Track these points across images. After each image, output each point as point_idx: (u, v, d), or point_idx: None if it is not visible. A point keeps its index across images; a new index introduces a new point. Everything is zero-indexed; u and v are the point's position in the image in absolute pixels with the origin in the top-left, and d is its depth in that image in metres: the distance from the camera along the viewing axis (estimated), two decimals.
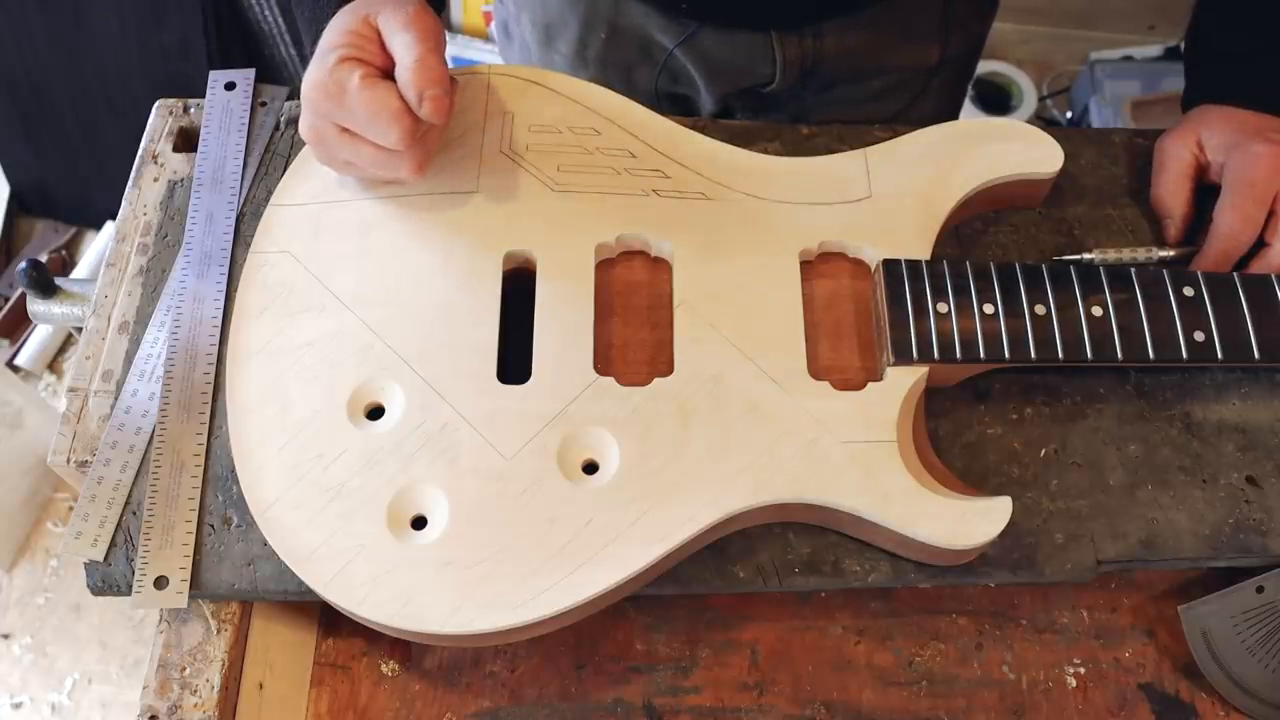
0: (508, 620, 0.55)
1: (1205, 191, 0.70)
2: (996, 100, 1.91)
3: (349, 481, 0.57)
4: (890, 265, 0.64)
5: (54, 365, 1.76)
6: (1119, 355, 0.62)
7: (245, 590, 0.59)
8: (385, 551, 0.56)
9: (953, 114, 1.00)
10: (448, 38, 1.76)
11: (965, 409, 0.65)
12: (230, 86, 0.73)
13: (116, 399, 0.64)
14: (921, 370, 0.61)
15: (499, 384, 0.60)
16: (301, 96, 0.61)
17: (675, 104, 0.92)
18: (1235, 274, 0.64)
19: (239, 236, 0.68)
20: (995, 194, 0.68)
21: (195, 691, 0.59)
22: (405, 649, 0.66)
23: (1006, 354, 0.62)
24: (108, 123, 1.67)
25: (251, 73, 0.73)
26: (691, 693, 0.64)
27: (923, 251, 0.65)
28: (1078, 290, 0.63)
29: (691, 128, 0.69)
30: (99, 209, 1.80)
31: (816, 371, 0.62)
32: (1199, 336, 0.62)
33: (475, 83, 0.69)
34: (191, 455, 0.62)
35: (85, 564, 0.60)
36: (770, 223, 0.65)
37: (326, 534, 0.56)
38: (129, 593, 0.59)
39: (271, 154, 0.71)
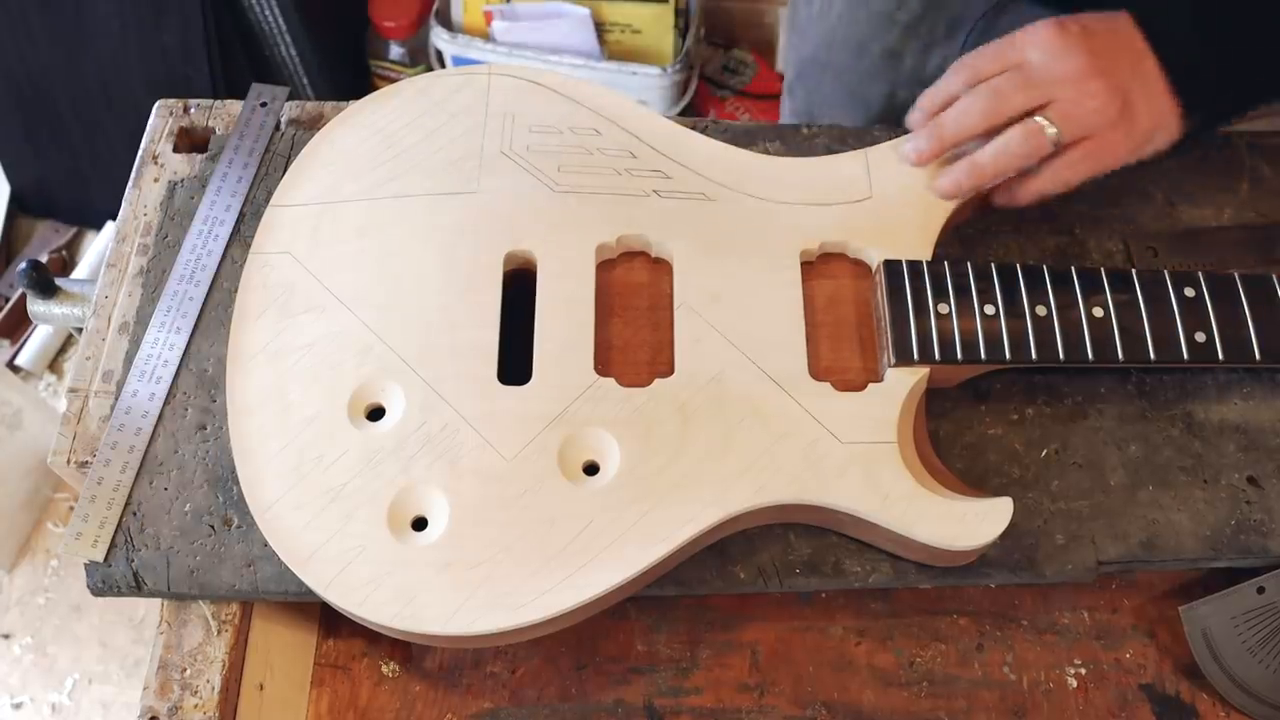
0: (508, 621, 0.55)
1: None
2: None
3: (349, 482, 0.57)
4: (891, 266, 0.64)
5: (54, 365, 1.75)
6: (1120, 356, 0.62)
7: (245, 591, 0.59)
8: (386, 552, 0.56)
9: None
10: (448, 37, 1.76)
11: (966, 409, 0.65)
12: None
13: (116, 399, 0.64)
14: (922, 371, 0.61)
15: (499, 385, 0.60)
16: None
17: None
18: (1236, 274, 0.64)
19: (239, 237, 0.68)
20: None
21: (196, 692, 0.59)
22: (406, 650, 0.66)
23: (1007, 355, 0.62)
24: (108, 123, 1.67)
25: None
26: (692, 693, 0.64)
27: (923, 252, 0.65)
28: (1079, 291, 0.63)
29: (692, 128, 0.69)
30: (99, 209, 1.80)
31: (817, 372, 0.62)
32: (1200, 337, 0.62)
33: (475, 83, 0.69)
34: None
35: (85, 564, 0.60)
36: (771, 223, 0.65)
37: (327, 535, 0.56)
38: (129, 593, 0.59)
39: (271, 154, 0.71)
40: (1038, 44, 0.63)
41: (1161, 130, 0.64)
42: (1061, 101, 0.62)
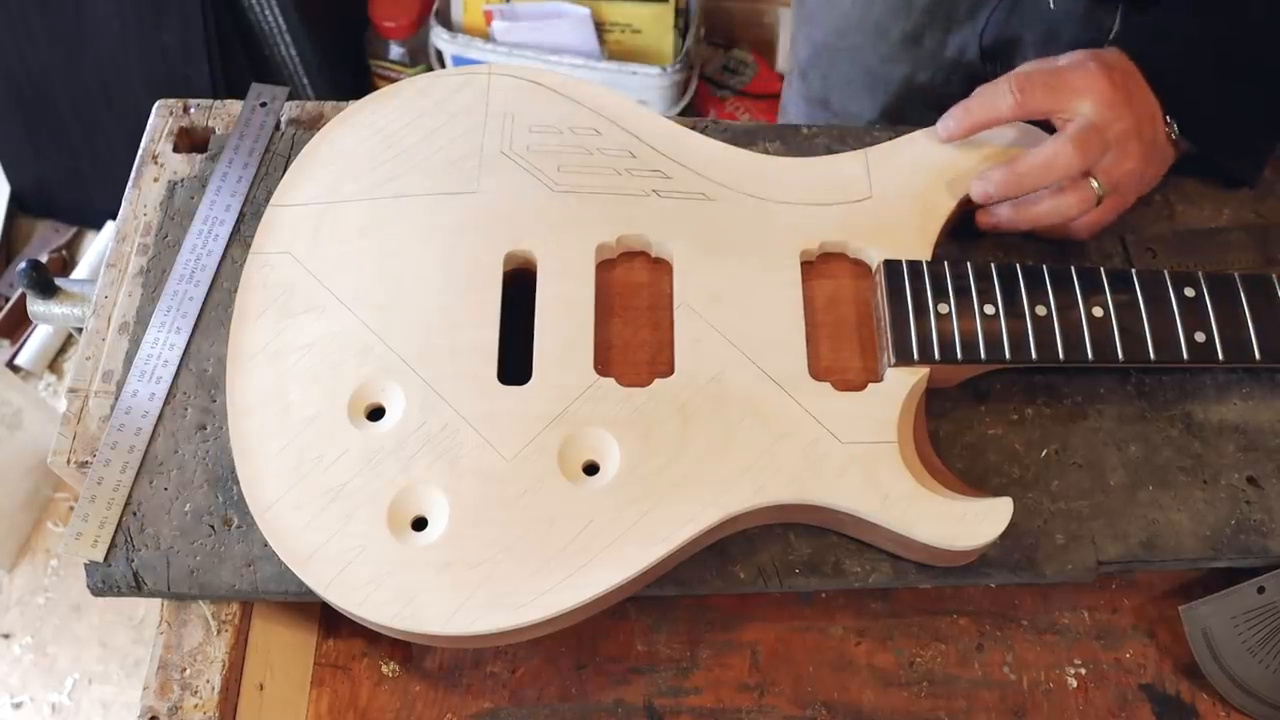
0: (508, 621, 0.55)
1: None
2: None
3: (349, 482, 0.57)
4: (891, 266, 0.64)
5: (54, 365, 1.75)
6: (1120, 356, 0.62)
7: (245, 591, 0.59)
8: (386, 552, 0.56)
9: None
10: (448, 37, 1.75)
11: (966, 409, 0.65)
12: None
13: (116, 399, 0.64)
14: (922, 371, 0.61)
15: (499, 385, 0.60)
16: None
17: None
18: (1236, 274, 0.64)
19: (239, 237, 0.68)
20: None
21: (196, 692, 0.59)
22: (406, 650, 0.66)
23: (1007, 355, 0.62)
24: (108, 123, 1.67)
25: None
26: (692, 693, 0.64)
27: (923, 252, 0.65)
28: (1078, 291, 0.63)
29: (692, 128, 0.69)
30: (99, 209, 1.80)
31: (817, 372, 0.62)
32: (1200, 337, 0.62)
33: (475, 83, 0.69)
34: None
35: (85, 564, 0.60)
36: (771, 223, 0.65)
37: (327, 535, 0.56)
38: (129, 593, 0.59)
39: (271, 154, 0.71)
40: (1091, 94, 0.64)
41: (1162, 171, 0.70)
42: (1107, 163, 0.65)
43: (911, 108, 0.91)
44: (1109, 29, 0.79)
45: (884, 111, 0.93)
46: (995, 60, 0.86)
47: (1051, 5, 0.79)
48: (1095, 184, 0.65)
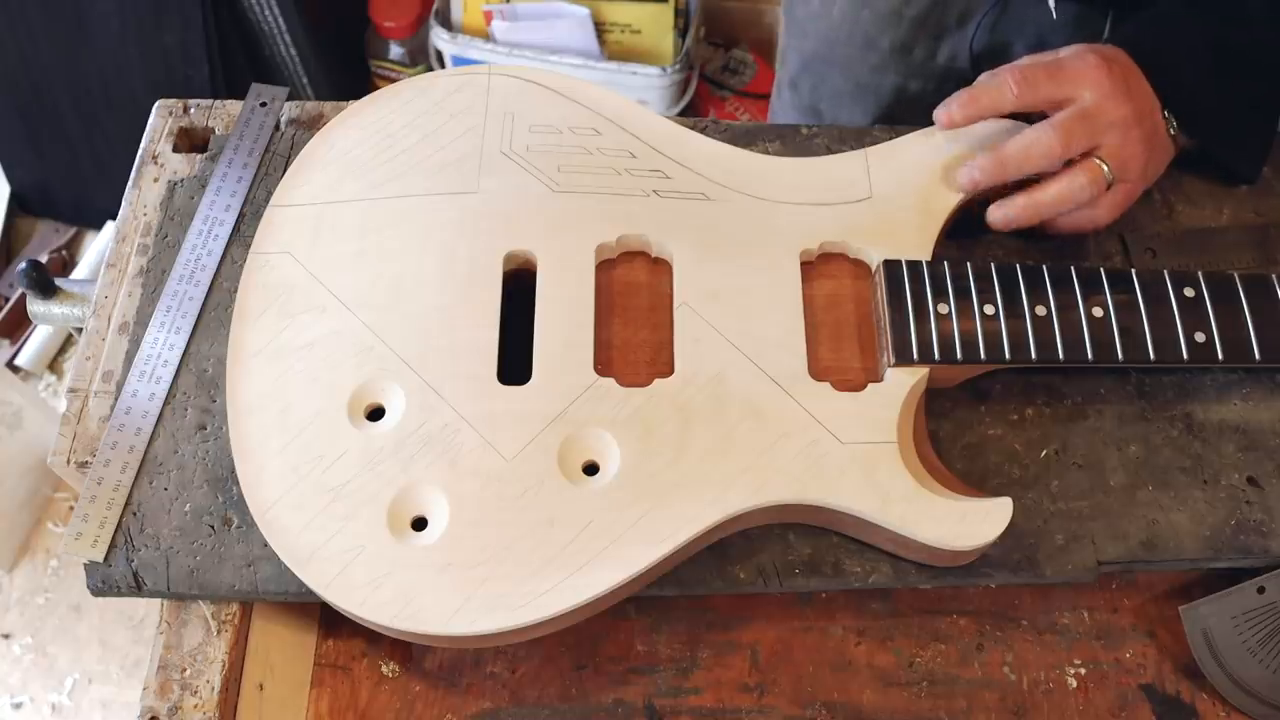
0: (508, 621, 0.55)
1: None
2: None
3: (349, 482, 0.57)
4: (890, 266, 0.64)
5: (54, 365, 1.75)
6: (1120, 356, 0.62)
7: (245, 591, 0.59)
8: (386, 553, 0.56)
9: None
10: (448, 37, 1.75)
11: (966, 410, 0.65)
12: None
13: (116, 399, 0.64)
14: (922, 371, 0.61)
15: (499, 385, 0.60)
16: None
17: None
18: (1235, 274, 0.64)
19: (239, 237, 0.68)
20: (995, 194, 0.68)
21: (195, 692, 0.59)
22: (406, 650, 0.66)
23: (1007, 355, 0.62)
24: (108, 123, 1.67)
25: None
26: (692, 694, 0.64)
27: (923, 252, 0.65)
28: (1078, 291, 0.63)
29: (692, 128, 0.69)
30: (99, 209, 1.80)
31: (817, 372, 0.62)
32: (1200, 337, 0.62)
33: (475, 83, 0.69)
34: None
35: (85, 564, 0.60)
36: (771, 223, 0.65)
37: (327, 535, 0.56)
38: (129, 593, 0.59)
39: (271, 154, 0.71)
40: (1091, 83, 0.64)
41: (1163, 166, 0.70)
42: (1110, 146, 0.65)
43: (902, 117, 0.91)
44: (1099, 34, 0.80)
45: (875, 121, 0.94)
46: (986, 68, 0.85)
47: (1054, 14, 0.79)
48: (1104, 166, 0.65)
